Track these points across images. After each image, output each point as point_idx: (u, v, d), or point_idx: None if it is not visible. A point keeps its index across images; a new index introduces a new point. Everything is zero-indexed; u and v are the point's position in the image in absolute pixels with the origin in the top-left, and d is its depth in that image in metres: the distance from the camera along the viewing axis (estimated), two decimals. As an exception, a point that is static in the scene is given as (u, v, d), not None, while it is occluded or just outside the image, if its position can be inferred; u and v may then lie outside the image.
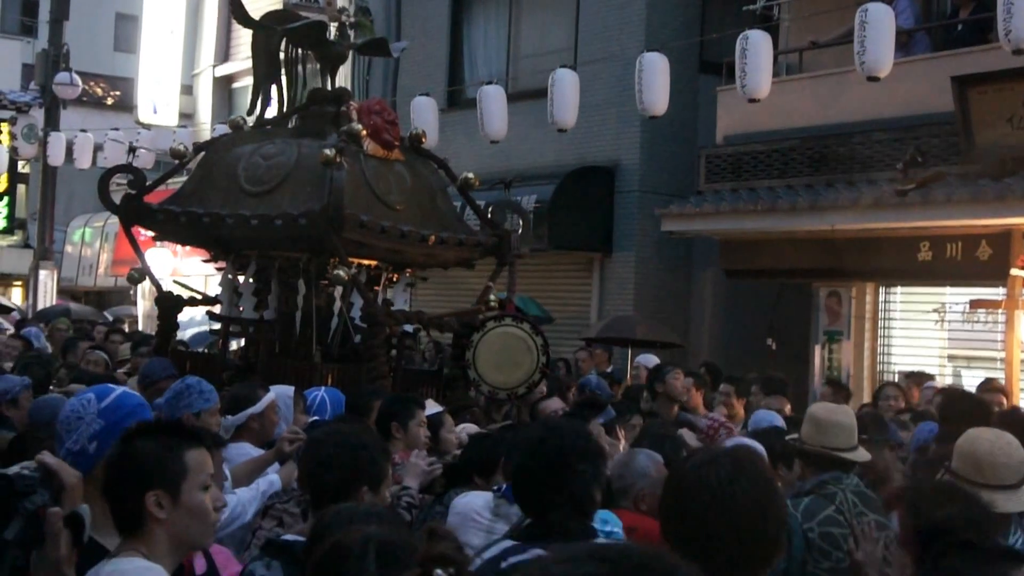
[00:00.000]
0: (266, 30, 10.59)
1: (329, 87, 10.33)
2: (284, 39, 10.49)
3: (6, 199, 35.21)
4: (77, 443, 3.83)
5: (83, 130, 24.39)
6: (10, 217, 35.31)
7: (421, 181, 9.94)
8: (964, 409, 7.02)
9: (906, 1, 14.72)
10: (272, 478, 6.14)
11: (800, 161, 15.34)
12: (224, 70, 31.38)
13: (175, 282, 11.49)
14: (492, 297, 10.41)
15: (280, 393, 7.59)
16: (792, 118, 15.42)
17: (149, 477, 3.39)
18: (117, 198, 10.40)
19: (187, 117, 30.79)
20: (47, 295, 26.55)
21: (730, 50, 13.01)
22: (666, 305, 18.56)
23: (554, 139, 16.79)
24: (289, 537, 4.48)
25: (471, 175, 10.47)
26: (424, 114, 16.11)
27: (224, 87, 31.74)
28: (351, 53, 11.34)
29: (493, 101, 15.11)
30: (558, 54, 18.20)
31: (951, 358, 14.97)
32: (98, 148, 24.13)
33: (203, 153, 10.30)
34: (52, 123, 25.89)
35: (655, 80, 13.36)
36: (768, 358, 16.00)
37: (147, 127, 26.22)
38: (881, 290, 15.41)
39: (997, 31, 10.98)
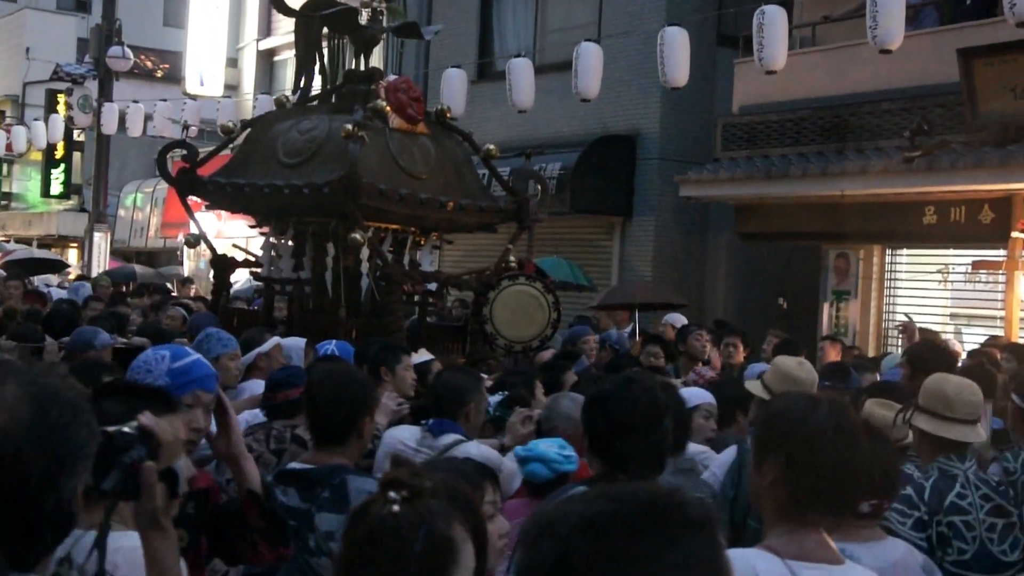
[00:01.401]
0: (305, 18, 10.87)
1: (362, 68, 10.64)
2: (322, 25, 10.77)
3: (63, 166, 35.41)
4: None
5: (135, 101, 24.38)
6: (67, 183, 35.53)
7: (446, 152, 10.23)
8: (932, 357, 7.16)
9: (916, -24, 14.60)
10: (256, 411, 6.28)
11: (812, 130, 15.27)
12: (267, 44, 31.33)
13: (234, 246, 11.78)
14: (512, 258, 10.60)
15: (291, 345, 7.98)
16: (805, 89, 15.32)
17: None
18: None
19: (232, 88, 30.75)
20: (101, 256, 26.63)
21: (747, 24, 12.92)
22: (683, 267, 18.53)
23: (578, 109, 16.73)
24: (296, 466, 4.62)
25: (492, 146, 10.77)
26: (455, 86, 16.04)
27: (266, 60, 31.70)
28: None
29: (521, 73, 15.03)
30: (583, 28, 18.10)
31: (953, 316, 14.93)
32: (148, 118, 24.15)
33: (249, 129, 10.80)
34: (105, 94, 25.87)
35: (676, 53, 13.26)
36: (779, 317, 15.97)
37: (194, 98, 26.20)
38: (888, 252, 15.37)
39: (1002, 5, 10.84)
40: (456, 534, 2.42)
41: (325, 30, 10.95)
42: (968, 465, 4.89)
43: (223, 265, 10.96)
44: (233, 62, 32.36)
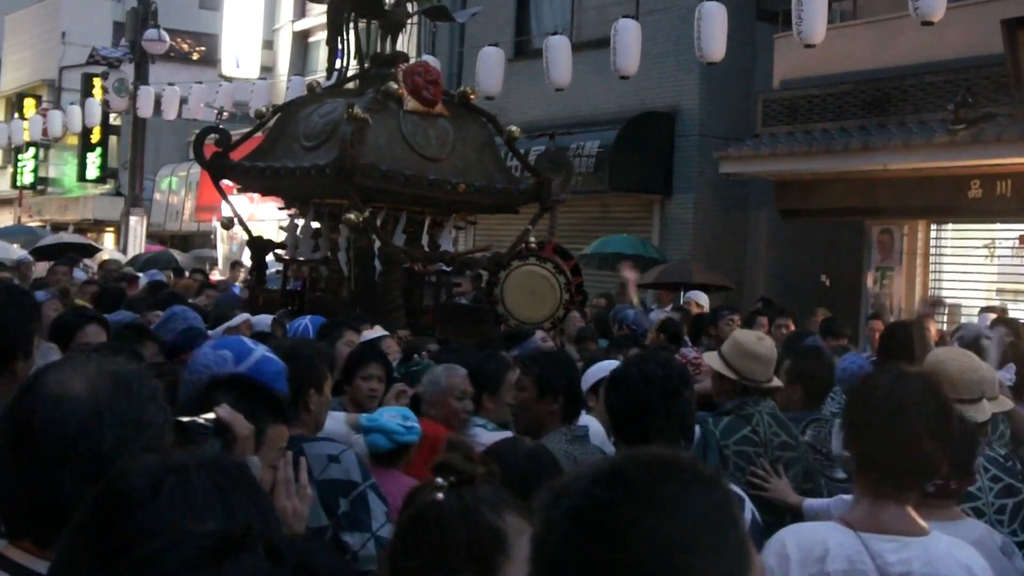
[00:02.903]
0: (333, 3, 11.10)
1: (388, 51, 10.86)
2: (350, 9, 10.95)
3: (99, 150, 35.64)
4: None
5: (170, 84, 24.50)
6: (103, 167, 35.76)
7: (465, 134, 10.37)
8: (902, 341, 7.10)
9: (958, -54, 14.49)
10: None
11: (854, 104, 15.20)
12: (301, 25, 31.42)
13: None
14: (531, 239, 10.64)
15: (258, 321, 8.07)
16: (846, 63, 15.24)
17: (224, 439, 3.00)
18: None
19: (267, 70, 30.85)
20: (137, 240, 26.81)
21: (786, -2, 12.86)
22: (723, 244, 18.48)
23: (616, 86, 16.69)
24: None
25: (515, 128, 10.92)
26: (491, 64, 16.02)
27: (301, 41, 31.79)
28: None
29: (558, 50, 15.01)
30: (620, 5, 18.09)
31: (1000, 291, 14.83)
32: (183, 101, 24.26)
33: (279, 114, 11.03)
34: (141, 77, 26.02)
35: (713, 28, 13.21)
36: (822, 295, 15.91)
37: (229, 80, 26.26)
38: (932, 227, 15.28)
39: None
40: (508, 524, 2.38)
41: (353, 15, 11.12)
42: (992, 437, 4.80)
43: (259, 247, 11.22)
44: (269, 44, 32.46)
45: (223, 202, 11.69)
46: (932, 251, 15.29)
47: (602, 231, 19.31)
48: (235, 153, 11.00)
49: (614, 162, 18.28)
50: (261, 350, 3.81)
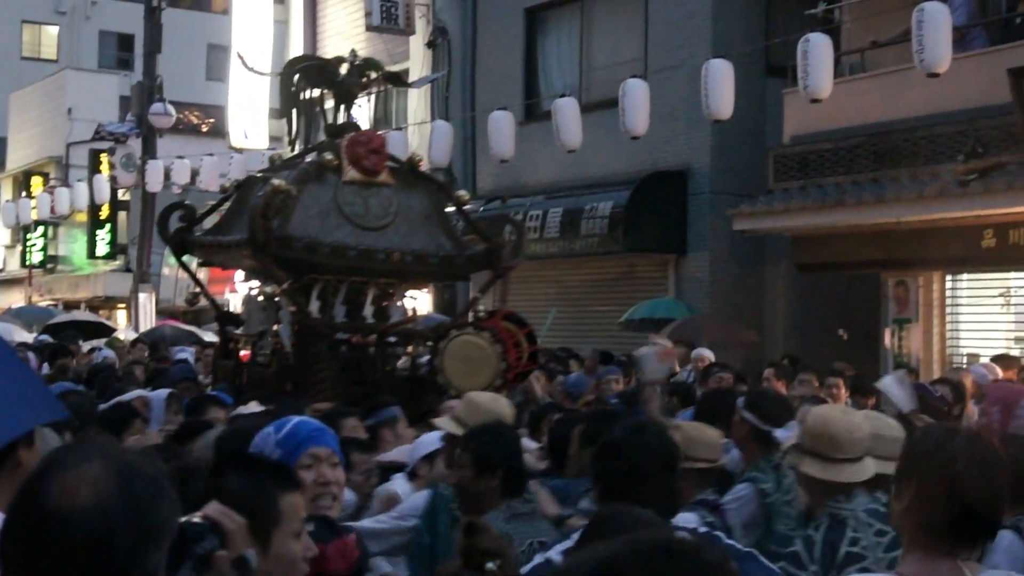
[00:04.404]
0: (286, 75, 11.07)
1: (342, 121, 10.71)
2: (304, 80, 10.89)
3: (108, 226, 36.10)
4: None
5: (179, 156, 24.91)
6: (112, 243, 36.18)
7: (410, 202, 10.27)
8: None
9: (961, -2, 14.90)
10: None
11: (865, 157, 15.53)
12: (309, 93, 31.85)
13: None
14: (480, 308, 10.82)
15: (155, 396, 8.49)
16: (856, 116, 15.60)
17: None
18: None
19: (277, 140, 31.30)
20: (147, 316, 27.14)
21: (795, 53, 13.22)
22: (741, 301, 18.76)
23: (628, 146, 17.07)
24: None
25: (463, 193, 11.15)
26: (502, 128, 16.41)
27: (310, 108, 32.21)
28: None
29: (567, 113, 15.38)
30: (629, 64, 18.53)
31: (1018, 340, 15.09)
32: (195, 173, 24.64)
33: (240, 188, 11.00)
34: (149, 152, 26.46)
35: (720, 86, 13.59)
36: (840, 348, 16.18)
37: (239, 151, 26.71)
38: (948, 277, 15.56)
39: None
40: None
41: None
42: (857, 502, 4.83)
43: (227, 320, 11.22)
44: (277, 112, 32.89)
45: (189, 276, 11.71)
46: (948, 302, 15.56)
47: (617, 292, 19.71)
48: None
49: (628, 222, 18.65)
50: (299, 417, 4.22)
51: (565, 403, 11.19)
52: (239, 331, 10.85)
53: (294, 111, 10.83)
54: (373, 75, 10.84)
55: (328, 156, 9.97)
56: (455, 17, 23.76)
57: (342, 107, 10.73)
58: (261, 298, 10.35)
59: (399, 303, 10.53)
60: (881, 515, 4.74)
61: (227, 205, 11.00)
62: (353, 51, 11.29)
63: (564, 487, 5.94)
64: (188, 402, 7.93)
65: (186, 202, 11.57)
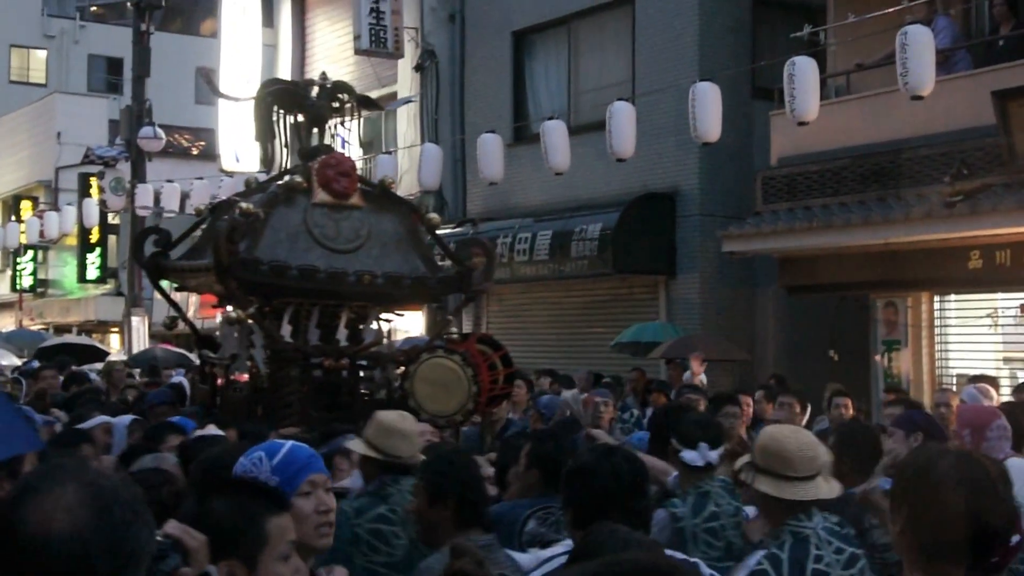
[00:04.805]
0: (258, 99, 11.01)
1: (314, 144, 10.70)
2: (276, 103, 10.85)
3: (98, 250, 36.10)
4: None
5: (169, 180, 24.95)
6: (103, 267, 36.18)
7: (382, 224, 10.29)
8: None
9: (945, 21, 15.04)
10: None
11: (852, 179, 15.62)
12: (299, 117, 31.90)
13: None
14: (453, 330, 10.79)
15: (117, 422, 8.57)
16: (842, 138, 15.71)
17: (224, 545, 3.17)
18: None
19: (278, 164, 31.34)
20: (140, 340, 27.12)
21: (781, 76, 13.30)
22: (731, 323, 18.87)
23: (616, 168, 17.13)
24: None
25: (435, 215, 10.99)
26: (491, 150, 16.46)
27: (299, 132, 32.25)
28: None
29: (556, 135, 15.43)
30: (617, 87, 18.68)
31: (1007, 360, 15.18)
32: (186, 196, 24.67)
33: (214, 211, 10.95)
34: (139, 175, 26.49)
35: (707, 108, 13.65)
36: (831, 369, 16.27)
37: (230, 174, 26.77)
38: (936, 298, 15.62)
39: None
40: None
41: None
42: (816, 521, 4.88)
43: (207, 344, 11.17)
44: (280, 138, 32.90)
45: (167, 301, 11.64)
46: (937, 323, 15.63)
47: (608, 313, 19.85)
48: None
49: (617, 244, 18.75)
50: (290, 442, 4.07)
51: (538, 425, 11.25)
52: (215, 355, 10.86)
53: (268, 134, 10.78)
54: (345, 97, 10.83)
55: (297, 179, 9.95)
56: (443, 40, 23.89)
57: (314, 130, 10.70)
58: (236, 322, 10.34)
59: (374, 326, 10.49)
60: (837, 533, 4.85)
61: (201, 229, 11.01)
62: (323, 74, 11.28)
63: (510, 510, 5.84)
64: (152, 427, 7.98)
65: (159, 226, 11.54)
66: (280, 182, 10.09)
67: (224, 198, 12.11)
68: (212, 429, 7.86)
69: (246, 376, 10.37)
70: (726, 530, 6.08)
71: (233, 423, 8.47)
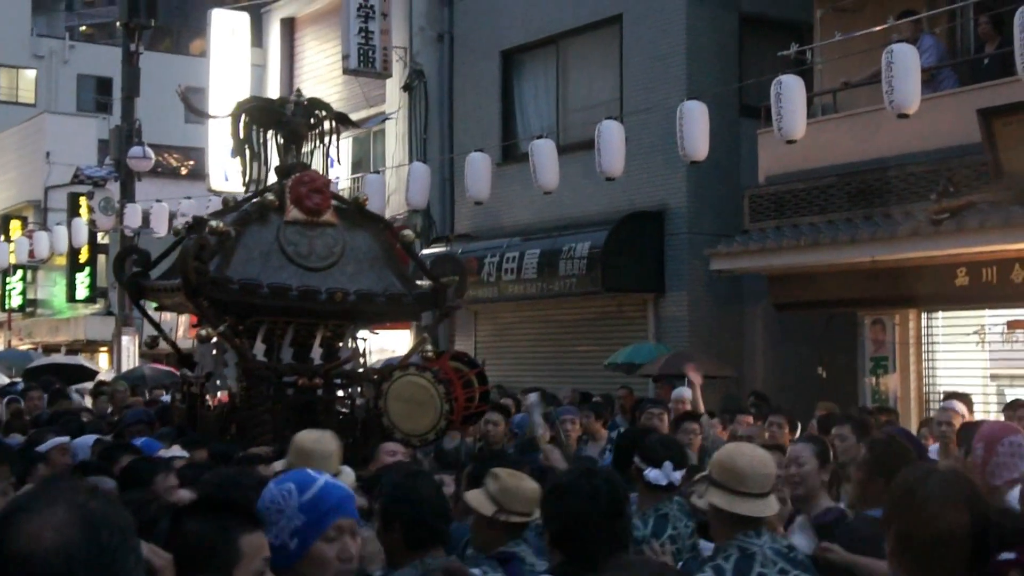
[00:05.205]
0: (234, 116, 10.92)
1: (291, 161, 10.62)
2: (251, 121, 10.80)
3: (88, 270, 36.02)
4: (278, 538, 3.60)
5: (158, 200, 24.96)
6: (92, 287, 36.08)
7: (356, 241, 10.24)
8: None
9: (930, 40, 15.12)
10: None
11: (839, 196, 15.68)
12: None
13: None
14: (428, 348, 10.64)
15: (80, 444, 8.68)
16: (829, 156, 15.78)
17: (196, 562, 3.15)
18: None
19: (256, 182, 31.35)
20: (130, 359, 27.11)
21: (767, 94, 13.35)
22: (720, 340, 18.88)
23: (605, 187, 17.19)
24: None
25: (409, 232, 11.06)
26: (479, 169, 16.47)
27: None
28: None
29: (544, 154, 15.44)
30: (605, 106, 18.70)
31: (994, 377, 15.21)
32: (173, 216, 24.67)
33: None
34: (128, 195, 26.50)
35: (695, 127, 13.68)
36: (819, 387, 16.31)
37: (219, 194, 26.75)
38: (923, 315, 15.66)
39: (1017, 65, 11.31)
40: None
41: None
42: (764, 540, 4.89)
43: (188, 363, 11.15)
44: (256, 155, 32.94)
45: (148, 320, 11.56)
46: (924, 340, 15.67)
47: (596, 332, 19.87)
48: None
49: (606, 263, 18.78)
50: (324, 478, 3.86)
51: (511, 443, 11.24)
52: (193, 374, 10.83)
53: (245, 152, 10.74)
54: (322, 114, 10.77)
55: (269, 197, 9.92)
56: (432, 60, 23.93)
57: (291, 147, 10.63)
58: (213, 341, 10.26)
59: (352, 345, 10.43)
60: (784, 555, 4.84)
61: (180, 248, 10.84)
62: (298, 90, 11.26)
63: (454, 531, 5.57)
64: (102, 448, 8.00)
65: (138, 246, 11.48)
66: (253, 200, 10.08)
67: (202, 217, 12.02)
68: (176, 450, 7.95)
69: (225, 396, 10.26)
70: (682, 554, 6.07)
71: (206, 443, 8.49)
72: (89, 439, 8.82)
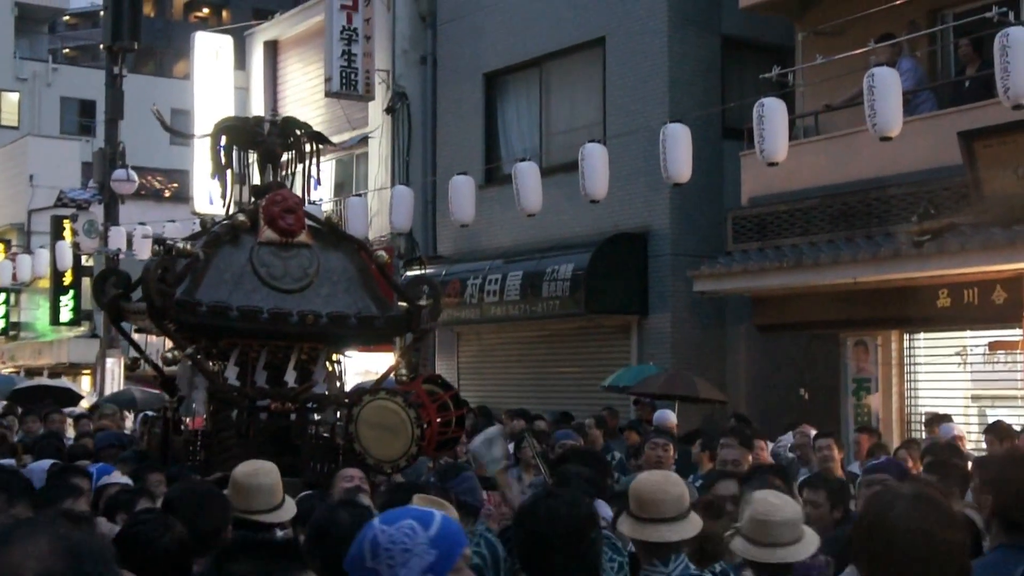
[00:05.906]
0: (212, 137, 10.87)
1: (267, 181, 10.61)
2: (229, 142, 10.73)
3: (71, 292, 35.89)
4: None
5: (141, 223, 24.91)
6: (76, 309, 35.94)
7: (331, 262, 10.13)
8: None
9: (909, 63, 15.17)
10: None
11: (821, 218, 15.72)
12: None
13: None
14: (402, 371, 10.48)
15: (36, 468, 8.56)
16: (811, 178, 15.83)
17: None
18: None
19: (236, 203, 31.30)
20: (114, 382, 26.99)
21: (750, 116, 13.42)
22: (703, 361, 18.85)
23: (588, 209, 17.20)
24: None
25: (383, 254, 10.97)
26: (462, 192, 16.50)
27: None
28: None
29: (527, 177, 15.47)
30: (588, 129, 18.75)
31: (975, 398, 15.25)
32: (158, 239, 24.57)
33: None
34: (112, 218, 26.42)
35: (678, 149, 13.74)
36: (802, 408, 16.32)
37: (202, 216, 26.73)
38: (905, 337, 15.72)
39: (997, 88, 11.37)
40: None
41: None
42: (673, 567, 4.81)
43: (171, 385, 10.92)
44: (241, 178, 32.92)
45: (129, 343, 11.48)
46: (906, 361, 15.71)
47: (580, 353, 19.84)
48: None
49: (589, 284, 18.76)
50: (439, 511, 3.67)
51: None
52: (169, 398, 10.71)
53: (224, 172, 10.66)
54: (299, 132, 10.70)
55: (241, 217, 9.80)
56: (415, 82, 23.94)
57: (268, 166, 10.57)
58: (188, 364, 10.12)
59: (329, 368, 10.29)
60: None
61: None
62: (274, 110, 11.23)
63: None
64: (57, 469, 7.88)
65: (117, 268, 11.38)
66: (224, 222, 9.99)
67: (166, 239, 11.91)
68: (116, 476, 7.86)
69: (200, 420, 10.16)
70: None
71: (161, 468, 8.39)
72: (45, 463, 8.68)
